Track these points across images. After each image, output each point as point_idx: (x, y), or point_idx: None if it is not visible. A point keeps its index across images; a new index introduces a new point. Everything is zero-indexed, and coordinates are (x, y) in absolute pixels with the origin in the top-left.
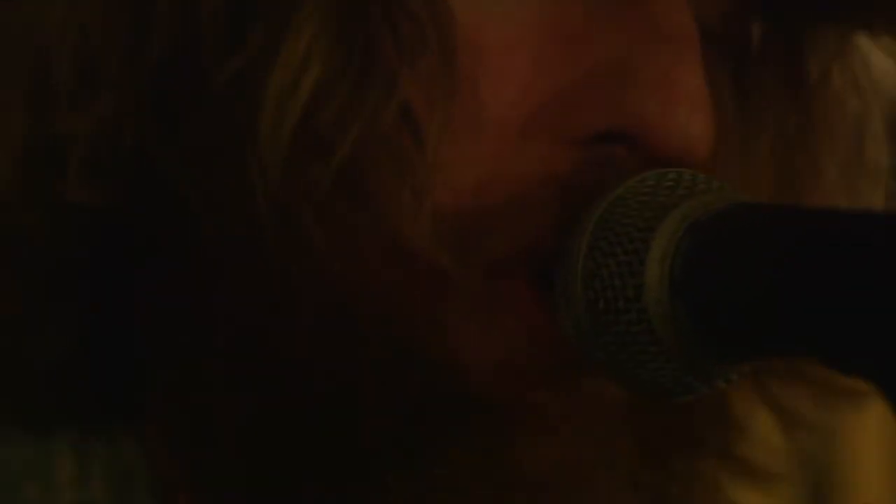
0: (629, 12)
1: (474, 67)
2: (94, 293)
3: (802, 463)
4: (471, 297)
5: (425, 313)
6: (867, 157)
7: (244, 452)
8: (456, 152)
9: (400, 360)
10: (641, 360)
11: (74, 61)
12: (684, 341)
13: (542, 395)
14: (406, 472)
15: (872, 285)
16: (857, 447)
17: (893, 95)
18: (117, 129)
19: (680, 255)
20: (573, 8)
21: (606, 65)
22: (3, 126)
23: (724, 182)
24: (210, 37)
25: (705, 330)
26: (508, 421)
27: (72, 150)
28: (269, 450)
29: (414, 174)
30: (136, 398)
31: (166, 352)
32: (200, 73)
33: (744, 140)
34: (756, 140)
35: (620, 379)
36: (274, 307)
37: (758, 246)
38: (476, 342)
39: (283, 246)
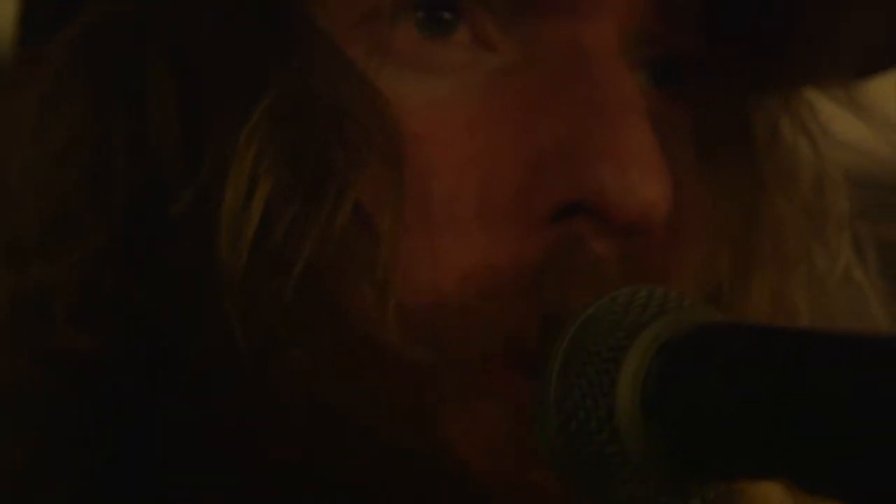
0: (572, 87)
1: (423, 161)
2: (96, 436)
3: None
4: (455, 389)
5: (409, 409)
6: (827, 204)
7: None
8: (415, 248)
9: (392, 456)
10: (616, 480)
11: (40, 211)
12: (659, 461)
13: (540, 473)
14: None
15: (845, 413)
16: None
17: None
18: (94, 273)
19: (652, 375)
20: (517, 90)
21: (556, 142)
22: None
23: (696, 300)
24: (168, 169)
25: (679, 449)
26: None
27: (54, 297)
28: None
29: (373, 274)
30: None
31: (177, 477)
32: (162, 206)
33: (704, 197)
34: (716, 196)
35: (595, 498)
36: (263, 418)
37: (729, 366)
38: (466, 432)
39: (261, 360)
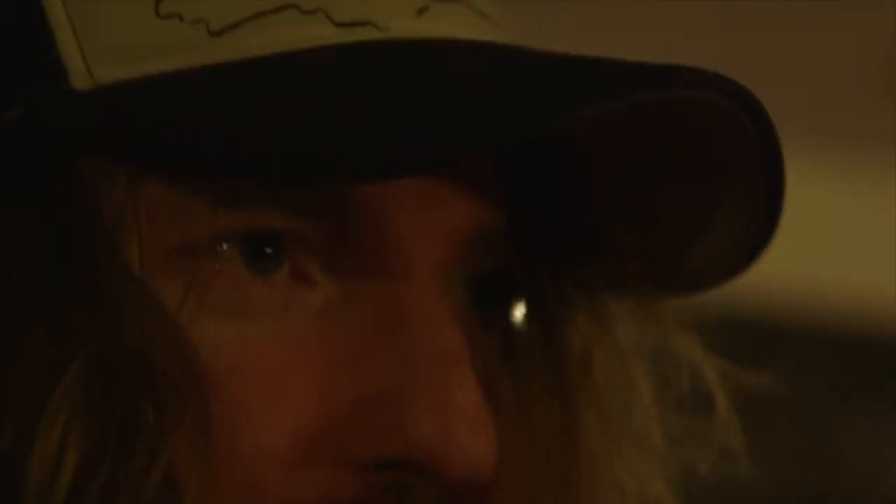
0: (398, 333)
1: (233, 399)
2: None
3: None
4: None
5: None
6: (636, 429)
7: None
8: (226, 484)
9: None
10: None
11: None
12: None
13: None
14: None
15: None
16: None
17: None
18: None
19: None
20: (336, 332)
21: (382, 389)
22: None
23: None
24: None
25: None
26: None
27: None
28: None
29: None
30: None
31: None
32: None
33: (522, 429)
34: (532, 424)
35: None
36: None
37: None
38: None
39: None
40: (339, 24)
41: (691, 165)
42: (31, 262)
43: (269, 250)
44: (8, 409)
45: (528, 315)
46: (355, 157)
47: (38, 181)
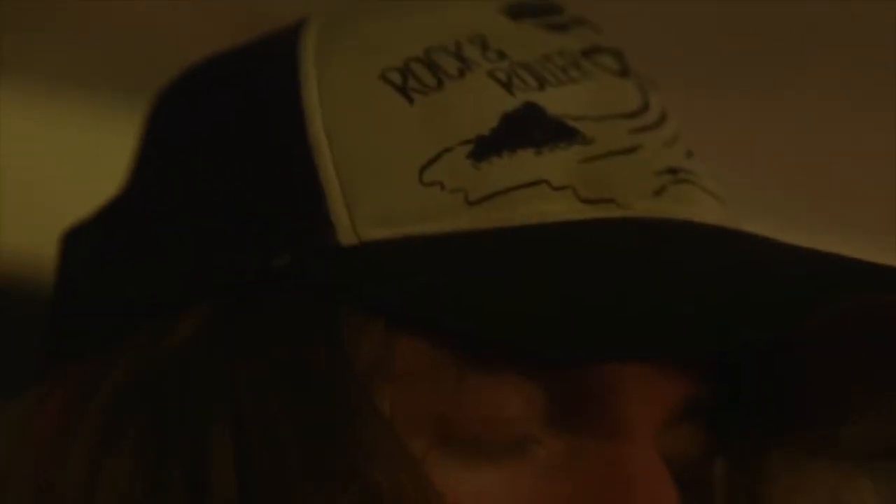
0: (616, 488)
1: None
2: None
3: None
4: None
5: None
6: None
7: None
8: None
9: None
10: None
11: None
12: None
13: None
14: None
15: None
16: None
17: None
18: None
19: None
20: (568, 486)
21: None
22: None
23: None
24: None
25: None
26: None
27: None
28: None
29: None
30: None
31: None
32: None
33: None
34: None
35: None
36: None
37: None
38: None
39: None
40: (584, 201)
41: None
42: (294, 400)
43: None
44: None
45: (733, 479)
46: (628, 340)
47: (300, 326)
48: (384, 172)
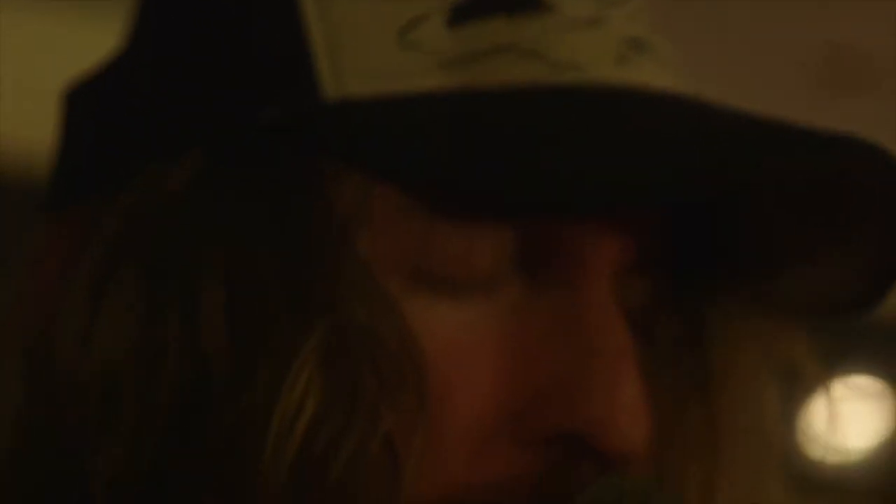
0: (578, 330)
1: (442, 382)
2: None
3: None
4: None
5: None
6: (765, 432)
7: None
8: (430, 462)
9: None
10: None
11: (92, 410)
12: None
13: None
14: None
15: None
16: None
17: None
18: (135, 461)
19: None
20: (531, 325)
21: (562, 377)
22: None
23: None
24: (217, 381)
25: None
26: None
27: (95, 480)
28: None
29: (397, 491)
30: None
31: None
32: (209, 411)
33: (667, 409)
34: (675, 402)
35: None
36: None
37: None
38: None
39: None
40: (550, 65)
41: (834, 204)
42: (278, 243)
43: None
44: (260, 369)
45: (678, 328)
46: (616, 190)
47: (285, 176)
48: (366, 33)
